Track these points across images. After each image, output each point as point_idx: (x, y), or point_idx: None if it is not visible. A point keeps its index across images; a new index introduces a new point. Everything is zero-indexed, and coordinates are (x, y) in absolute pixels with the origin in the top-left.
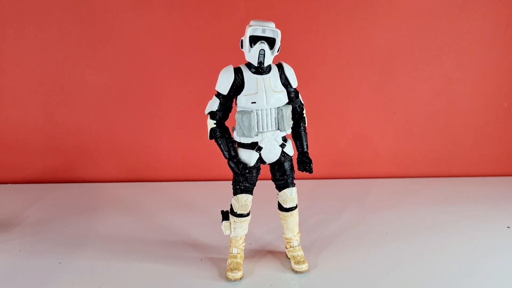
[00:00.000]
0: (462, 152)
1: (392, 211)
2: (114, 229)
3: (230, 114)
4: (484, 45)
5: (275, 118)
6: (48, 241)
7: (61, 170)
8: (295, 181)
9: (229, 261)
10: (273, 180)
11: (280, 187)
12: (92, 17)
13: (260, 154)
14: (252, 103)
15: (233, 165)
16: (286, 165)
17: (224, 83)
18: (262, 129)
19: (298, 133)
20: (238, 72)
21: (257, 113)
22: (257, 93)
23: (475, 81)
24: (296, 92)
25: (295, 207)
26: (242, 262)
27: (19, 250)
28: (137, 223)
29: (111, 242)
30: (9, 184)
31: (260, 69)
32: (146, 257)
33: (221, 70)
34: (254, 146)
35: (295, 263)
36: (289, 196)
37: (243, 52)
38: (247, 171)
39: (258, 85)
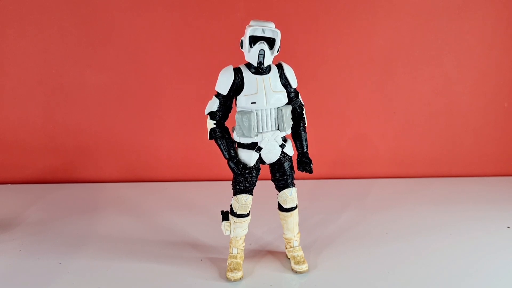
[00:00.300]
0: (462, 152)
1: (392, 211)
2: (114, 229)
3: (230, 114)
4: (484, 45)
5: (275, 118)
6: (48, 241)
7: (61, 170)
8: (295, 181)
9: (229, 261)
10: (273, 180)
11: (280, 187)
12: (92, 17)
13: (260, 154)
14: (252, 103)
15: (233, 165)
16: (286, 165)
17: (224, 83)
18: (262, 129)
19: (298, 133)
20: (238, 72)
21: (257, 113)
22: (257, 93)
23: (475, 81)
24: (296, 92)
25: (295, 207)
26: (242, 262)
27: (19, 250)
28: (137, 223)
29: (111, 242)
30: (9, 184)
31: (260, 69)
32: (146, 257)
33: (221, 70)
34: (254, 146)
35: (295, 263)
36: (289, 196)
37: (243, 52)
38: (247, 171)
39: (258, 85)
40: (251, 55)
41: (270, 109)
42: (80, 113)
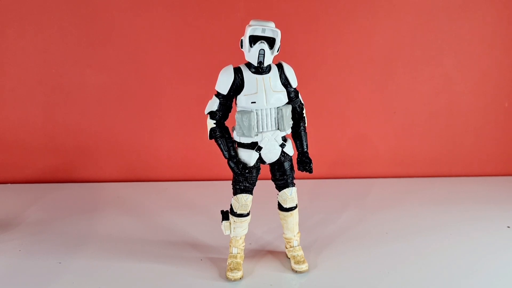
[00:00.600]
0: (462, 152)
1: (392, 211)
2: (114, 229)
3: (230, 114)
4: (485, 44)
5: (275, 118)
6: (48, 241)
7: (61, 170)
8: (295, 181)
9: (229, 261)
10: (273, 180)
11: (280, 187)
12: (92, 17)
13: (260, 154)
14: (252, 103)
15: (233, 165)
16: (286, 165)
17: (224, 83)
18: (262, 129)
19: (298, 133)
20: (238, 72)
21: (257, 113)
22: (257, 93)
23: (475, 81)
24: (296, 92)
25: (295, 207)
26: (242, 262)
27: (19, 250)
28: (137, 223)
29: (111, 242)
30: (9, 184)
31: (260, 69)
32: (146, 257)
33: (221, 70)
34: (254, 146)
35: (295, 263)
36: (289, 196)
37: (243, 52)
38: (247, 171)
39: (258, 85)
40: (251, 54)
41: (270, 108)
42: (80, 113)
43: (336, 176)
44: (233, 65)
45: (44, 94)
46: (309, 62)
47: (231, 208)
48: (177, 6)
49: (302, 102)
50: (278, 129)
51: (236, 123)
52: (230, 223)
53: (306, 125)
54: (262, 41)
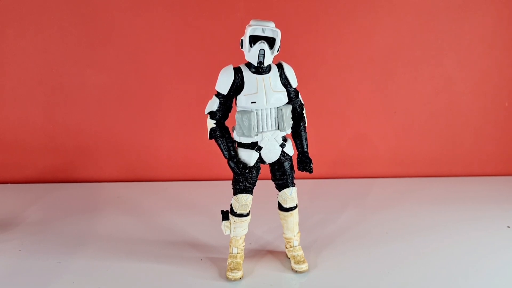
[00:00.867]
0: (462, 151)
1: (392, 211)
2: (114, 229)
3: (230, 114)
4: (485, 44)
5: (275, 118)
6: (48, 241)
7: (61, 170)
8: (295, 181)
9: (229, 261)
10: (273, 180)
11: (280, 187)
12: (92, 17)
13: (260, 154)
14: (252, 102)
15: (233, 165)
16: (286, 165)
17: (224, 83)
18: (262, 129)
19: (298, 133)
20: (238, 72)
21: (257, 113)
22: (257, 92)
23: (475, 80)
24: (296, 92)
25: (295, 207)
26: (242, 262)
27: (19, 250)
28: (137, 223)
29: (111, 242)
30: (9, 184)
31: (260, 69)
32: (146, 257)
33: (221, 70)
34: (254, 146)
35: (295, 263)
36: (289, 196)
37: (243, 52)
38: (247, 171)
39: (258, 84)
40: (251, 54)
41: (270, 108)
42: (80, 113)
43: (336, 176)
44: (233, 65)
45: (44, 94)
46: (309, 62)
47: (231, 208)
48: (177, 6)
49: (302, 102)
50: (278, 129)
51: (236, 123)
52: (230, 223)
53: (306, 125)
54: (262, 41)
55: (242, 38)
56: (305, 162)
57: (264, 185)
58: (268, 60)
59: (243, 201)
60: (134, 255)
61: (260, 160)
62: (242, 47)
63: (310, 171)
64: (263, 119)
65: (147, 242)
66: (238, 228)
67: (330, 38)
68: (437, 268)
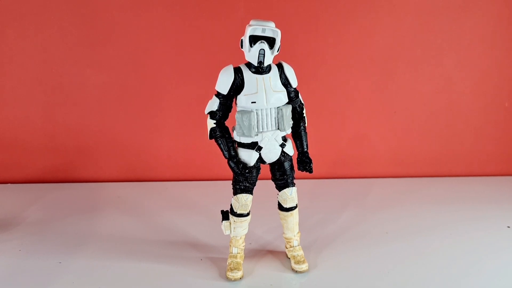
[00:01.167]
0: (463, 151)
1: (392, 211)
2: (114, 229)
3: (230, 113)
4: (485, 44)
5: (275, 118)
6: (48, 241)
7: (61, 170)
8: (295, 181)
9: (229, 261)
10: (273, 180)
11: (280, 187)
12: (92, 17)
13: (260, 154)
14: (252, 102)
15: (233, 165)
16: (286, 164)
17: (224, 82)
18: (262, 128)
19: (298, 133)
20: (238, 71)
21: (257, 113)
22: (257, 92)
23: (475, 80)
24: (296, 91)
25: (295, 207)
26: (242, 262)
27: (19, 250)
28: (137, 223)
29: (111, 242)
30: (9, 184)
31: (260, 69)
32: (146, 257)
33: (221, 69)
34: (254, 145)
35: (295, 262)
36: (289, 195)
37: (243, 51)
38: (247, 170)
39: (258, 84)
40: (251, 54)
41: (270, 108)
42: (80, 112)
43: (336, 176)
44: (233, 65)
45: (44, 94)
46: (309, 62)
47: (231, 208)
48: (177, 6)
49: (302, 102)
50: (278, 129)
51: (236, 123)
52: (230, 223)
53: (306, 125)
54: (262, 41)
55: (242, 38)
56: (305, 162)
57: (264, 185)
58: (268, 60)
59: (243, 201)
60: (134, 255)
61: (260, 160)
62: (242, 47)
63: (310, 171)
64: (263, 119)
65: (147, 242)
66: (238, 228)
67: (330, 38)
68: (437, 268)
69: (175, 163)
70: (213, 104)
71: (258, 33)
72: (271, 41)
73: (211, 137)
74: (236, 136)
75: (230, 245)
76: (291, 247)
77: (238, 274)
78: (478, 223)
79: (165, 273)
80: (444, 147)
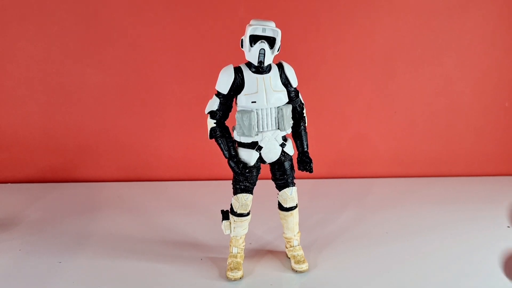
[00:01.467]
0: (463, 151)
1: (392, 211)
2: (114, 228)
3: (230, 113)
4: (485, 44)
5: (275, 118)
6: (48, 241)
7: (61, 170)
8: (295, 181)
9: (229, 260)
10: (273, 180)
11: (280, 187)
12: (93, 16)
13: (260, 154)
14: (252, 102)
15: (233, 165)
16: (286, 164)
17: (224, 82)
18: (262, 128)
19: (298, 133)
20: (238, 71)
21: (257, 113)
22: (257, 92)
23: (476, 80)
24: (296, 91)
25: (295, 207)
26: (242, 262)
27: (19, 249)
28: (137, 223)
29: (111, 241)
30: (9, 184)
31: (260, 69)
32: (146, 257)
33: (221, 69)
34: (254, 145)
35: (295, 262)
36: (289, 195)
37: (243, 51)
38: (247, 170)
39: (258, 84)
40: (251, 54)
41: (270, 108)
42: (81, 112)
43: (336, 176)
44: (233, 65)
45: (45, 94)
46: (309, 62)
47: (231, 208)
48: (177, 5)
49: (303, 101)
50: (278, 128)
51: (237, 122)
52: (230, 223)
53: (306, 124)
54: (263, 40)
55: (243, 37)
56: (305, 162)
57: (264, 185)
58: (269, 59)
59: (243, 201)
60: (134, 255)
61: (260, 159)
62: (242, 47)
63: (310, 170)
64: (263, 118)
65: (147, 242)
66: (238, 228)
67: (331, 38)
68: (437, 268)
69: (175, 163)
70: (213, 103)
71: (259, 32)
72: (271, 41)
73: (211, 137)
74: (236, 136)
75: (230, 245)
76: (291, 247)
77: (238, 274)
78: (478, 223)
79: (165, 273)
80: (444, 147)
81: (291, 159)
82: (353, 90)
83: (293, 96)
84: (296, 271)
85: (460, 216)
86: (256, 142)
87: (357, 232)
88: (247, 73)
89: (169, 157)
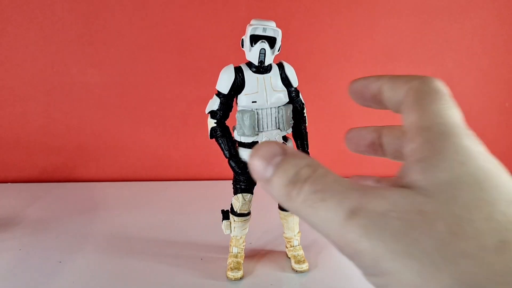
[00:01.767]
0: None
1: None
2: (114, 228)
3: (230, 113)
4: (485, 44)
5: (275, 118)
6: (48, 240)
7: (62, 169)
8: None
9: (229, 260)
10: None
11: None
12: (93, 16)
13: None
14: (252, 102)
15: (233, 164)
16: None
17: (224, 82)
18: (263, 128)
19: (298, 133)
20: (238, 71)
21: (257, 112)
22: (257, 92)
23: (476, 80)
24: (296, 91)
25: None
26: (242, 262)
27: (19, 249)
28: (137, 222)
29: (111, 241)
30: (10, 183)
31: (260, 68)
32: (146, 257)
33: (221, 69)
34: (255, 145)
35: (295, 262)
36: None
37: (243, 51)
38: (247, 170)
39: (259, 84)
40: (252, 54)
41: (270, 108)
42: (81, 112)
43: None
44: (233, 65)
45: (45, 93)
46: (310, 61)
47: (232, 208)
48: (178, 5)
49: (303, 101)
50: (278, 128)
51: (237, 122)
52: (230, 223)
53: (306, 124)
54: (263, 40)
55: (243, 37)
56: None
57: None
58: (269, 59)
59: (243, 201)
60: (134, 255)
61: None
62: (243, 47)
63: None
64: (264, 118)
65: (147, 242)
66: (239, 228)
67: (331, 37)
68: None
69: (175, 163)
70: (214, 103)
71: (259, 32)
72: (272, 41)
73: (211, 137)
74: (237, 136)
75: (231, 245)
76: (291, 246)
77: (239, 273)
78: None
79: (165, 273)
80: None
81: None
82: None
83: (293, 96)
84: (296, 271)
85: None
86: (257, 142)
87: None
88: (247, 73)
89: (169, 157)
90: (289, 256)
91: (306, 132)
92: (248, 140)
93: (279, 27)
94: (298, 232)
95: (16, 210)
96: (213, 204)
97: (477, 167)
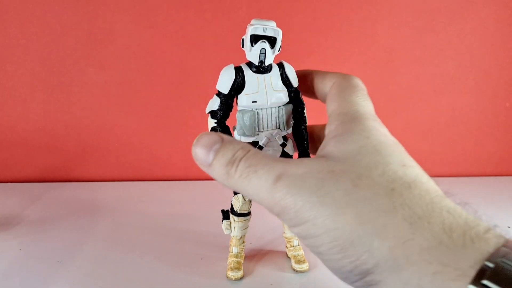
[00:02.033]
0: (463, 151)
1: None
2: (114, 228)
3: (230, 113)
4: (486, 44)
5: (275, 117)
6: (48, 240)
7: (62, 169)
8: None
9: (229, 260)
10: None
11: None
12: (94, 16)
13: None
14: (252, 102)
15: None
16: None
17: (224, 82)
18: (263, 128)
19: (298, 133)
20: (239, 71)
21: (257, 112)
22: (258, 92)
23: (476, 80)
24: (296, 91)
25: None
26: (242, 262)
27: (19, 249)
28: (137, 223)
29: (111, 241)
30: (9, 183)
31: (261, 68)
32: (146, 257)
33: (221, 69)
34: (255, 145)
35: (295, 262)
36: None
37: (244, 51)
38: None
39: (259, 84)
40: (252, 54)
41: (271, 108)
42: (81, 112)
43: None
44: (234, 65)
45: (45, 93)
46: (310, 61)
47: (232, 208)
48: (178, 5)
49: (303, 101)
50: (278, 128)
51: (237, 122)
52: (230, 223)
53: (307, 124)
54: (263, 40)
55: (243, 37)
56: None
57: None
58: (269, 59)
59: (243, 201)
60: (134, 255)
61: None
62: (243, 47)
63: None
64: (264, 118)
65: (147, 242)
66: (239, 228)
67: (332, 37)
68: None
69: (175, 163)
70: (214, 103)
71: (259, 32)
72: (272, 41)
73: None
74: (237, 136)
75: (231, 245)
76: (291, 246)
77: (239, 273)
78: None
79: (165, 273)
80: (444, 147)
81: None
82: None
83: (293, 96)
84: (297, 271)
85: None
86: (257, 142)
87: None
88: (247, 73)
89: (169, 157)
90: (289, 256)
91: (306, 132)
92: (248, 140)
93: (279, 27)
94: None
95: (16, 210)
96: (213, 204)
97: (379, 141)
